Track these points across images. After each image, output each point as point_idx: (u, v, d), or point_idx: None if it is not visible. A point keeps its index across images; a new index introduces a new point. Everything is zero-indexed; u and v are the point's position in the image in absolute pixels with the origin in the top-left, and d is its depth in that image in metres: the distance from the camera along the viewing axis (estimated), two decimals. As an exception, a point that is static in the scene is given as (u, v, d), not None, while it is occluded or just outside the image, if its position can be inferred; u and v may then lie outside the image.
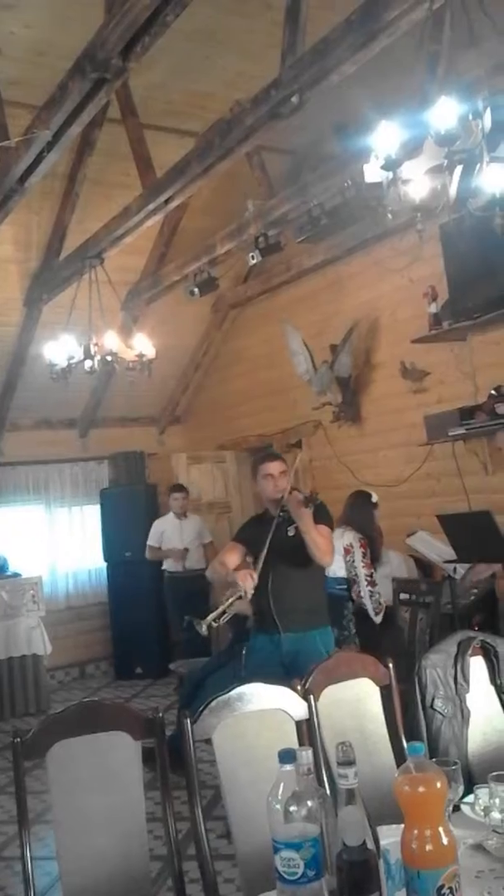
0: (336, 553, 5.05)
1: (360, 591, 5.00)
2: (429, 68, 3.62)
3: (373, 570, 5.06)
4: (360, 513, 5.27)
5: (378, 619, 4.97)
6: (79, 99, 3.91)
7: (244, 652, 4.14)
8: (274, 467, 3.87)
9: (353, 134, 4.48)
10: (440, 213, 2.73)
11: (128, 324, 7.05)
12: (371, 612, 4.96)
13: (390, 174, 2.51)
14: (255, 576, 3.73)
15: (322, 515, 3.80)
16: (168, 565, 7.37)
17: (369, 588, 4.99)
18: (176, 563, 7.31)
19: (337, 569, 5.08)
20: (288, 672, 3.47)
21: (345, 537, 5.08)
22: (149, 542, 7.46)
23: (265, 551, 3.74)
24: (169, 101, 5.45)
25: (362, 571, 4.99)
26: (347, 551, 5.06)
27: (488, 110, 2.44)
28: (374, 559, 5.16)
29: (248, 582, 3.66)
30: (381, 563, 5.61)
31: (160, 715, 2.20)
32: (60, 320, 6.11)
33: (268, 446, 8.01)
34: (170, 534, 7.41)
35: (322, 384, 6.63)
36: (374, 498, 5.44)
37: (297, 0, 3.69)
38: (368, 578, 5.01)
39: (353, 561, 5.04)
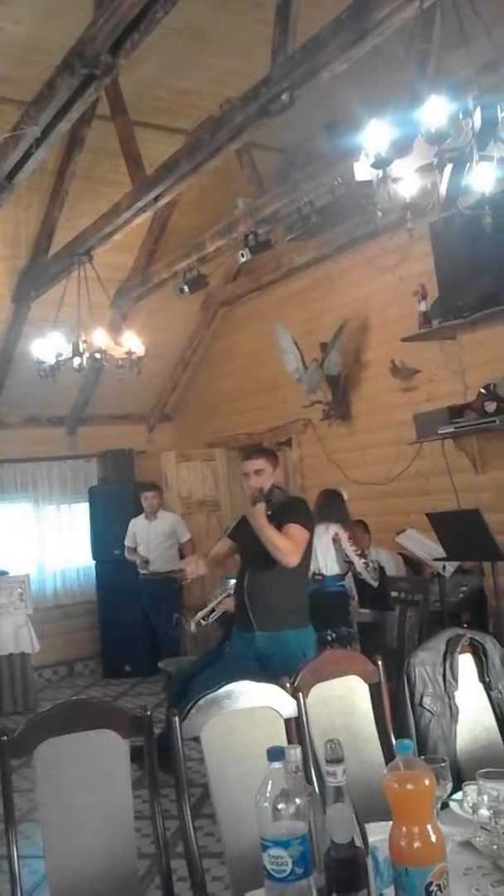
0: (326, 549, 5.08)
1: (356, 569, 5.03)
2: (419, 67, 3.63)
3: (361, 549, 5.09)
4: (335, 510, 5.29)
5: (375, 584, 5.02)
6: (68, 95, 3.90)
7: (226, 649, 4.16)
8: (248, 465, 3.86)
9: (343, 132, 4.48)
10: (430, 212, 2.73)
11: (117, 321, 7.03)
12: (370, 580, 5.00)
13: (380, 172, 2.52)
14: (202, 563, 3.80)
15: (293, 513, 3.73)
16: (140, 567, 7.37)
17: (363, 561, 5.01)
18: (141, 568, 7.31)
19: (332, 566, 5.10)
20: (263, 670, 3.46)
21: (329, 530, 5.09)
22: (125, 543, 7.46)
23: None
24: (159, 99, 5.44)
25: (351, 550, 5.02)
26: (335, 540, 5.08)
27: (478, 109, 2.45)
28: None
29: (190, 566, 3.73)
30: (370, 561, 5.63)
31: (148, 713, 2.20)
32: (49, 317, 6.08)
33: (257, 444, 8.02)
34: (141, 534, 7.39)
35: (312, 382, 6.63)
36: (345, 495, 5.49)
37: (287, -3, 3.69)
38: (359, 553, 5.04)
39: (342, 546, 5.06)
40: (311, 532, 3.76)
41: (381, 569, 5.12)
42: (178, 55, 4.95)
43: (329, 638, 4.83)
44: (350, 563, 5.06)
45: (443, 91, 2.50)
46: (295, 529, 3.65)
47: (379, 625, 5.23)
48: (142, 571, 7.34)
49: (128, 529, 7.47)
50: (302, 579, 3.82)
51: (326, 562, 5.14)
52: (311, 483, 7.06)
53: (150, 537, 7.37)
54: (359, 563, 5.02)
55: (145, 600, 7.41)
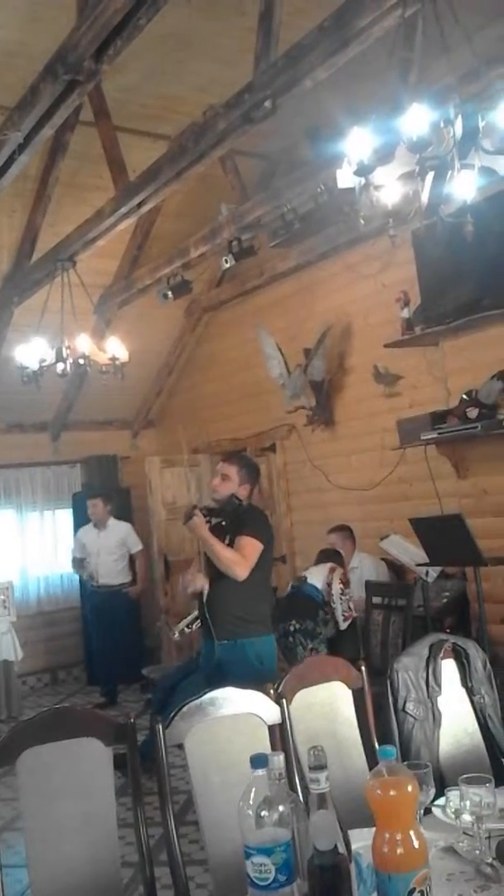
0: (321, 568, 5.09)
1: (332, 598, 5.03)
2: (401, 75, 3.65)
3: (350, 605, 5.09)
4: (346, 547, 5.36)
5: (343, 626, 5.01)
6: (50, 101, 3.90)
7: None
8: (220, 467, 3.89)
9: (325, 139, 4.50)
10: (412, 219, 2.75)
11: (100, 327, 7.02)
12: (339, 618, 4.98)
13: (363, 180, 2.53)
14: (200, 576, 3.78)
15: (245, 525, 3.70)
16: (98, 578, 7.31)
17: (343, 598, 5.01)
18: (92, 582, 7.27)
19: (317, 579, 5.11)
20: (223, 679, 3.46)
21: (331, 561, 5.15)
22: (73, 553, 7.39)
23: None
24: (142, 105, 5.44)
25: (338, 589, 5.02)
26: (331, 570, 5.11)
27: (459, 117, 2.47)
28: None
29: (191, 582, 3.77)
30: (353, 567, 5.65)
31: (131, 721, 2.19)
32: (32, 323, 6.06)
33: (241, 450, 8.02)
34: (90, 545, 7.32)
35: (296, 388, 6.64)
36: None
37: (270, 6, 3.70)
38: (344, 596, 5.05)
39: (333, 579, 5.05)
40: (266, 542, 3.72)
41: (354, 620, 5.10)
42: (162, 61, 4.96)
43: (292, 629, 4.83)
44: (329, 586, 5.06)
45: (424, 99, 2.52)
46: (245, 542, 3.64)
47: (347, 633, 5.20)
48: (92, 584, 7.28)
49: (75, 539, 7.41)
50: (260, 589, 3.78)
51: (314, 573, 5.17)
52: (295, 488, 7.07)
53: (99, 548, 7.26)
54: (336, 598, 5.00)
55: (93, 614, 7.36)
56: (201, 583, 3.76)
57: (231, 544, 3.69)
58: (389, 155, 2.53)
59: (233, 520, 3.76)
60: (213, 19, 4.61)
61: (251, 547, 3.64)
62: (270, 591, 3.99)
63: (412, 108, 2.40)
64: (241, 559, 3.60)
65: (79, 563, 7.32)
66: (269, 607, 3.91)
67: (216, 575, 3.72)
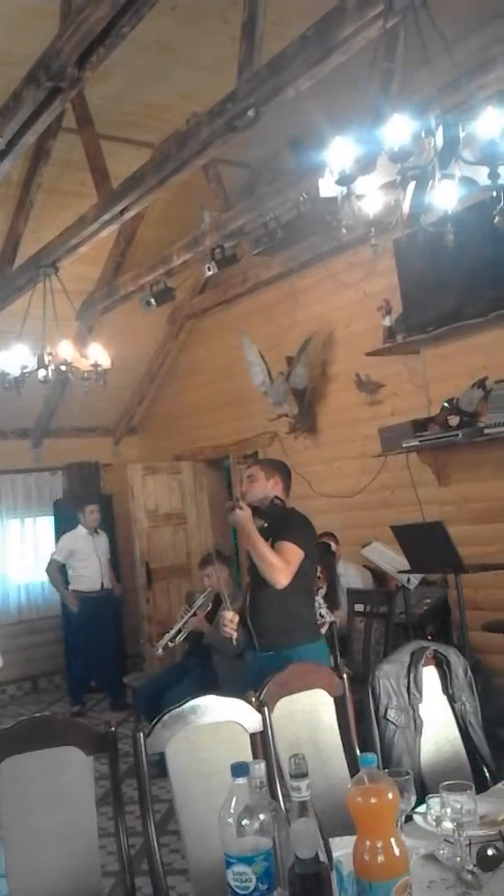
0: None
1: None
2: (382, 85, 3.68)
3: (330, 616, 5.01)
4: (325, 560, 5.30)
5: None
6: (33, 108, 3.89)
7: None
8: (243, 472, 3.75)
9: (308, 148, 4.52)
10: (394, 229, 2.76)
11: (83, 333, 7.00)
12: None
13: (345, 189, 2.54)
14: (236, 618, 3.52)
15: (288, 530, 3.48)
16: (82, 585, 7.29)
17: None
18: (74, 606, 7.25)
19: None
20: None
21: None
22: (55, 557, 7.32)
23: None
24: (125, 112, 5.44)
25: (328, 618, 4.95)
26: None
27: (440, 128, 2.49)
28: (332, 606, 5.16)
29: (233, 629, 3.46)
30: (339, 575, 5.64)
31: (112, 729, 2.18)
32: (13, 329, 6.03)
33: (224, 457, 8.02)
34: (84, 551, 7.32)
35: (278, 395, 6.66)
36: (333, 547, 5.50)
37: (253, 15, 3.72)
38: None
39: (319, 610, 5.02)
40: (308, 551, 3.49)
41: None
42: (145, 69, 4.97)
43: None
44: None
45: (406, 110, 2.53)
46: (288, 547, 3.40)
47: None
48: (86, 589, 7.26)
49: (60, 543, 7.37)
50: (301, 597, 3.55)
51: None
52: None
53: (98, 553, 7.36)
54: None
55: (81, 619, 7.27)
56: (231, 633, 3.53)
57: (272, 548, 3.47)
58: (371, 164, 2.54)
59: (274, 522, 3.54)
60: (197, 28, 4.62)
61: (293, 553, 3.40)
62: (311, 598, 3.74)
63: (393, 119, 2.42)
64: (284, 565, 3.36)
65: (58, 569, 7.30)
66: (313, 614, 3.71)
67: (256, 583, 3.51)
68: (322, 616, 4.94)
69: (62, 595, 7.34)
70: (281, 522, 3.54)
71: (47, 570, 7.34)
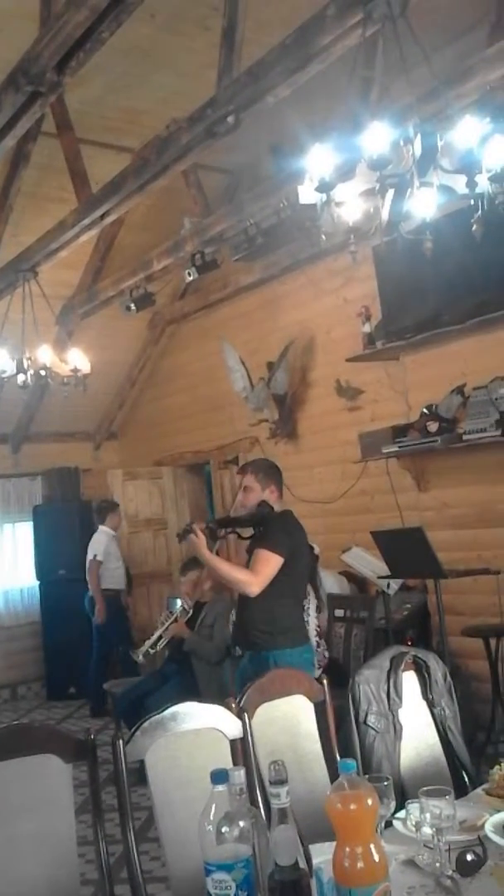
0: None
1: None
2: (362, 94, 3.71)
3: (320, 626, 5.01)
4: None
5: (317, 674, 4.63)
6: (12, 112, 3.88)
7: None
8: (238, 483, 3.75)
9: (288, 155, 4.54)
10: (373, 236, 2.78)
11: (62, 338, 6.97)
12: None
13: (324, 196, 2.55)
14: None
15: (264, 538, 3.51)
16: (113, 583, 7.29)
17: (317, 639, 4.89)
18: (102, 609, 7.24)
19: None
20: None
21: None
22: (99, 559, 7.27)
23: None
24: (105, 117, 5.44)
25: (314, 623, 4.93)
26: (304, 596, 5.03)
27: (419, 136, 2.51)
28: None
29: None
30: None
31: (92, 737, 2.16)
32: (-8, 334, 6.01)
33: (204, 463, 8.02)
34: (116, 551, 7.38)
35: (258, 401, 6.66)
36: (317, 550, 5.48)
37: (233, 22, 3.73)
38: (318, 629, 4.96)
39: (309, 608, 4.99)
40: (288, 553, 3.49)
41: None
42: (125, 75, 4.97)
43: None
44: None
45: (385, 118, 2.55)
46: (260, 555, 3.46)
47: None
48: (115, 587, 7.28)
49: (100, 547, 7.30)
50: (285, 600, 3.56)
51: None
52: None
53: (121, 553, 7.47)
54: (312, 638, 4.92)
55: (112, 617, 7.23)
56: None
57: None
58: (350, 172, 2.55)
59: (258, 529, 3.57)
60: (177, 34, 4.63)
61: (264, 562, 3.43)
62: (299, 601, 3.76)
63: (372, 126, 2.43)
64: (250, 577, 3.42)
65: (97, 570, 7.28)
66: (298, 618, 3.72)
67: None
68: (325, 656, 4.92)
69: (97, 598, 7.22)
70: (263, 528, 3.56)
71: (90, 571, 7.23)
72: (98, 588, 7.20)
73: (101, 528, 7.41)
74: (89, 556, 7.23)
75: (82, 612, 7.38)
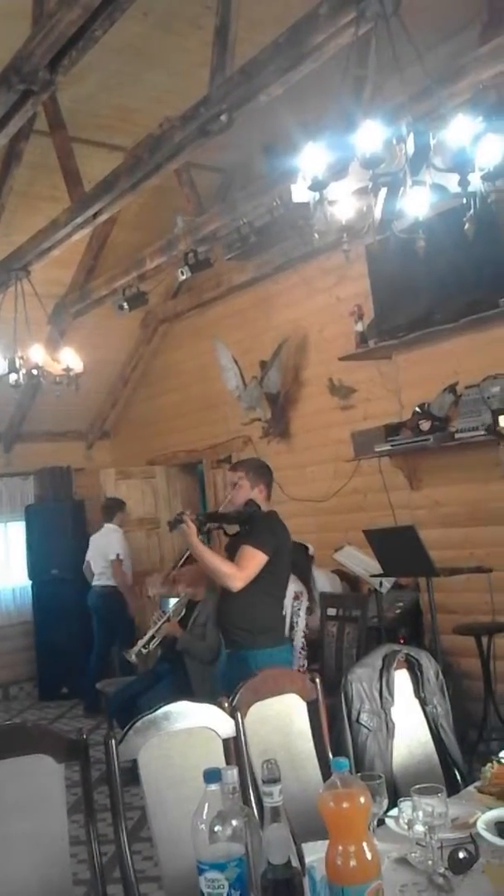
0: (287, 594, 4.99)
1: (291, 637, 4.82)
2: (354, 92, 3.71)
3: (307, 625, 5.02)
4: (300, 563, 5.28)
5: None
6: (4, 110, 3.87)
7: None
8: (229, 475, 3.81)
9: (281, 154, 4.54)
10: (366, 234, 2.78)
11: (55, 337, 6.96)
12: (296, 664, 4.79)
13: (317, 194, 2.55)
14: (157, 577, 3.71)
15: (250, 535, 3.56)
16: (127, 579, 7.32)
17: (303, 640, 4.92)
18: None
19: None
20: (225, 688, 3.43)
21: (297, 584, 5.04)
22: (122, 557, 7.27)
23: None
24: (98, 116, 5.43)
25: (302, 624, 4.93)
26: (297, 597, 5.01)
27: (411, 135, 2.51)
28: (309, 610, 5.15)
29: (150, 588, 3.67)
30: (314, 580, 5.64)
31: (84, 736, 2.16)
32: (-16, 333, 5.98)
33: (197, 462, 8.01)
34: (127, 548, 7.41)
35: (251, 400, 6.66)
36: (311, 551, 5.48)
37: (226, 20, 3.73)
38: (305, 631, 4.96)
39: (300, 610, 4.99)
40: (273, 552, 3.54)
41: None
42: (118, 73, 4.96)
43: None
44: (293, 626, 4.98)
45: (378, 116, 2.55)
46: (245, 552, 3.51)
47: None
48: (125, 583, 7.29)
49: (121, 543, 7.31)
50: (267, 599, 3.61)
51: None
52: (251, 500, 7.07)
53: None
54: (298, 639, 4.90)
55: (121, 616, 7.25)
56: (154, 591, 3.72)
57: None
58: (343, 170, 2.55)
59: (244, 527, 3.62)
60: (170, 33, 4.63)
61: (249, 558, 3.49)
62: (279, 602, 3.77)
63: (365, 125, 2.43)
64: (234, 571, 3.47)
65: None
66: (278, 618, 3.76)
67: None
68: (294, 624, 4.92)
69: (128, 597, 7.21)
70: (248, 527, 3.61)
71: (116, 570, 7.20)
72: (127, 585, 7.20)
73: (110, 525, 7.39)
74: (110, 556, 7.20)
75: (75, 612, 7.37)
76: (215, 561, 3.55)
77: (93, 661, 7.21)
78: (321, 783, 2.26)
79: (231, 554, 3.62)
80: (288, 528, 3.74)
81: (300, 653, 4.90)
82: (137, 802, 2.37)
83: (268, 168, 4.96)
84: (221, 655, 3.71)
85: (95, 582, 7.26)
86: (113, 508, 7.49)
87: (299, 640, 4.90)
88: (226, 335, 6.99)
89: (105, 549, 7.25)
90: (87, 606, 7.31)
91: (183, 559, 4.97)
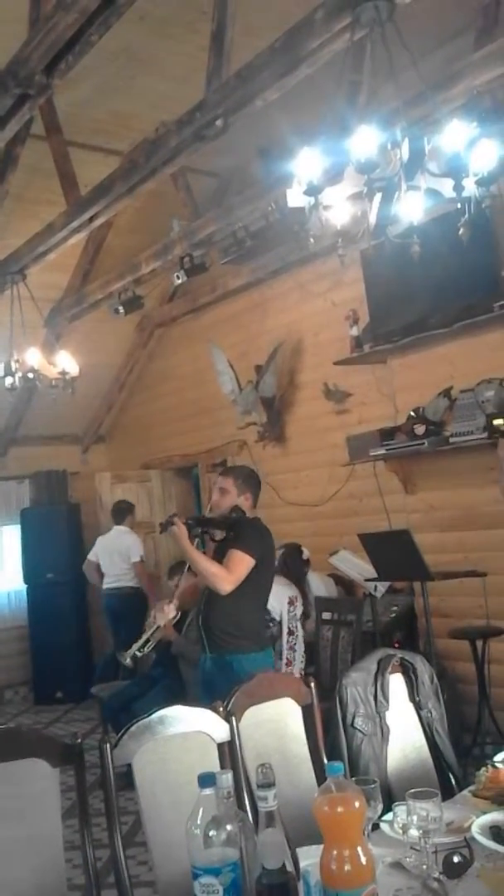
0: (280, 598, 4.98)
1: (293, 645, 4.86)
2: (350, 97, 3.72)
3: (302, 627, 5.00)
4: (294, 567, 5.28)
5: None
6: (0, 114, 3.87)
7: None
8: (217, 480, 3.83)
9: (276, 158, 4.55)
10: (361, 239, 2.79)
11: (51, 341, 6.95)
12: (297, 669, 4.81)
13: (312, 199, 2.56)
14: (171, 606, 3.74)
15: (238, 539, 3.59)
16: (135, 581, 7.26)
17: (290, 638, 4.89)
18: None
19: (273, 608, 5.04)
20: (206, 693, 3.43)
21: (292, 589, 5.03)
22: (144, 559, 7.28)
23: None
24: (94, 120, 5.43)
25: (300, 631, 4.91)
26: (292, 602, 4.99)
27: (406, 140, 2.52)
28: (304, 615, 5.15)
29: (159, 615, 3.71)
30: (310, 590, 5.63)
31: (79, 741, 2.16)
32: (-20, 337, 5.98)
33: (193, 466, 8.01)
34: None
35: (247, 404, 6.66)
36: (306, 554, 5.48)
37: (222, 25, 3.74)
38: (305, 637, 4.96)
39: (295, 615, 4.98)
40: (260, 558, 3.57)
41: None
42: (114, 78, 4.96)
43: None
44: (293, 631, 4.97)
45: (373, 121, 2.57)
46: (234, 555, 3.53)
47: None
48: (135, 585, 7.25)
49: (138, 545, 7.30)
50: (252, 604, 3.65)
51: (272, 602, 5.11)
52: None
53: None
54: (299, 645, 4.88)
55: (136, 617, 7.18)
56: (167, 616, 3.73)
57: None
58: (338, 175, 2.57)
59: (230, 533, 3.65)
60: (166, 37, 4.63)
61: (238, 561, 3.51)
62: (263, 606, 3.82)
63: (360, 130, 2.44)
64: (224, 573, 3.49)
65: None
66: (261, 622, 3.80)
67: (208, 588, 3.63)
68: (293, 629, 4.90)
69: (152, 598, 7.13)
70: (234, 531, 3.64)
71: (141, 572, 7.19)
72: (152, 587, 7.16)
73: (121, 528, 7.34)
74: (133, 559, 7.17)
75: (70, 616, 7.34)
76: (205, 563, 3.56)
77: (102, 662, 7.17)
78: (316, 787, 2.26)
79: (218, 559, 3.63)
80: (280, 532, 3.76)
81: (301, 658, 4.90)
82: (132, 807, 2.36)
83: (263, 172, 4.97)
84: (202, 659, 3.68)
85: (112, 584, 7.18)
86: (124, 511, 7.46)
87: (300, 646, 4.90)
88: (221, 339, 7.00)
89: (122, 551, 7.22)
90: (86, 608, 7.28)
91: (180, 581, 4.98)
